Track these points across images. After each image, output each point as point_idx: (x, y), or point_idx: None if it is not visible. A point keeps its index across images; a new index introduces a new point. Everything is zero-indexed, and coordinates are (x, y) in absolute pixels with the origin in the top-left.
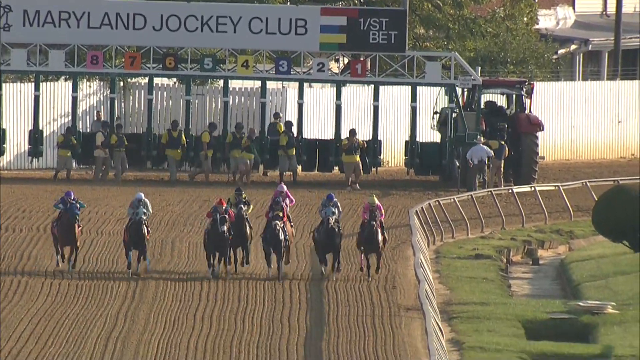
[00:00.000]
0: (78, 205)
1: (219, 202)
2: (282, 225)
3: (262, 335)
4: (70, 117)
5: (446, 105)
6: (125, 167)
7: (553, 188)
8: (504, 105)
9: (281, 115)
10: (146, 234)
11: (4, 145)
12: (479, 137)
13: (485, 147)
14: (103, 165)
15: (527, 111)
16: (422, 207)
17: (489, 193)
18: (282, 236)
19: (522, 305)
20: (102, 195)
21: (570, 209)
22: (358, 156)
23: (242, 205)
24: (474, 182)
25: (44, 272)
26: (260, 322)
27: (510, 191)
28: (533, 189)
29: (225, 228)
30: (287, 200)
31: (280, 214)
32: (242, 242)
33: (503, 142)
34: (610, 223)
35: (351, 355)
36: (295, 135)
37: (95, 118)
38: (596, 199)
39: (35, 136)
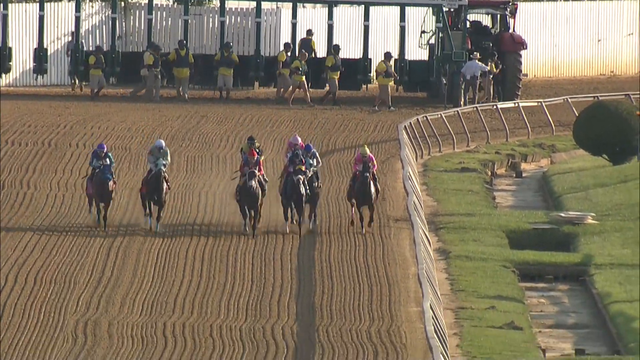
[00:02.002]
0: (110, 166)
1: (251, 154)
2: (303, 179)
3: (257, 245)
4: (74, 36)
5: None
6: (159, 85)
7: (536, 104)
8: (489, 24)
9: (313, 32)
10: (166, 188)
11: (10, 63)
12: (475, 53)
13: (480, 62)
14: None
15: (511, 30)
16: (410, 123)
17: (474, 109)
18: (303, 190)
19: (506, 216)
20: (103, 111)
21: (552, 124)
22: (392, 80)
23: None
24: (462, 97)
25: (49, 185)
26: (255, 234)
27: (494, 107)
28: (517, 104)
29: (253, 183)
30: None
31: (303, 168)
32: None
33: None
34: (590, 137)
35: (342, 263)
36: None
37: (71, 38)
38: (577, 115)
39: (40, 54)
